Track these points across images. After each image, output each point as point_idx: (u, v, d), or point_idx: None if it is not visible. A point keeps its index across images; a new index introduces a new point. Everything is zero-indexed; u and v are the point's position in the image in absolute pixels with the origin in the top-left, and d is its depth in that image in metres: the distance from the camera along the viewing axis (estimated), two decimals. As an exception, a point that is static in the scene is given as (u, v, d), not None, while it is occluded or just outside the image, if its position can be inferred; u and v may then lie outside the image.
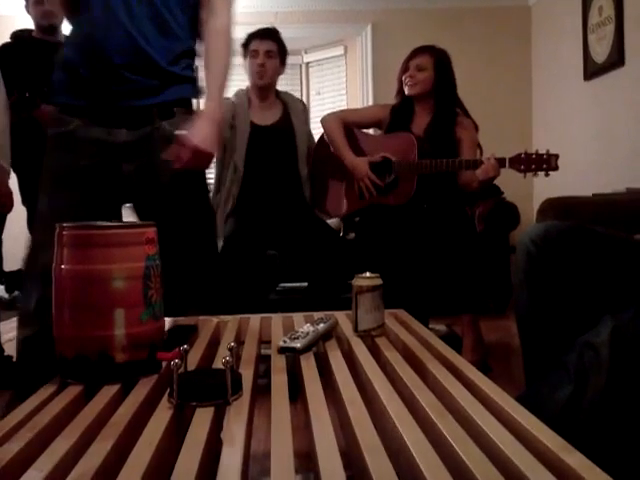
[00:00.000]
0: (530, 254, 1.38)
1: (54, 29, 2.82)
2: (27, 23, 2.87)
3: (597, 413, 1.08)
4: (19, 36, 2.78)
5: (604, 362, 1.08)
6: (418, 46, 2.63)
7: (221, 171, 2.71)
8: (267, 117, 2.75)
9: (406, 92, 2.60)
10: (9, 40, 2.80)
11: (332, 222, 3.35)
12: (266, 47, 2.68)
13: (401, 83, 2.63)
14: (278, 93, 2.84)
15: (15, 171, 2.76)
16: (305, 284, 2.61)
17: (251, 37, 2.73)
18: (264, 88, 2.73)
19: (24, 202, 2.79)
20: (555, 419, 1.05)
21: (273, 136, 2.73)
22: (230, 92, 2.80)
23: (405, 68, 2.58)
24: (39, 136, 2.60)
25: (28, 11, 2.80)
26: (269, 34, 2.73)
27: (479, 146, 2.64)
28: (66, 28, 2.86)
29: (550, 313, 1.36)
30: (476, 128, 2.63)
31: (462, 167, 2.50)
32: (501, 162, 2.36)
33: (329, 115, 2.76)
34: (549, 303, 1.36)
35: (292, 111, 2.80)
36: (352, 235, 3.44)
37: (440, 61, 2.60)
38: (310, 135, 2.89)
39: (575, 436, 0.97)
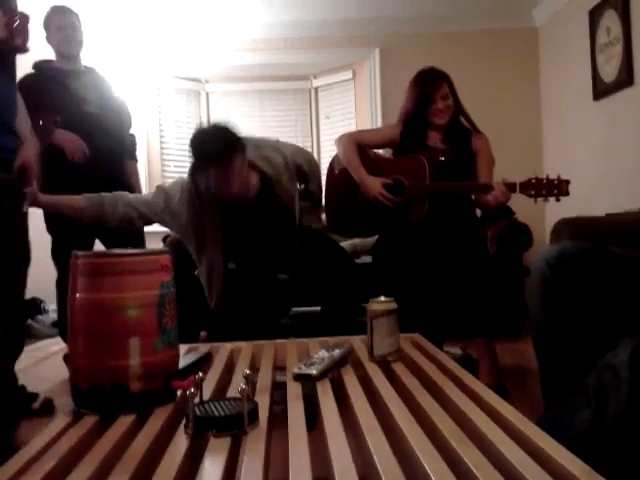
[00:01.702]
0: (545, 276, 1.37)
1: (75, 57, 2.88)
2: (36, 53, 2.91)
3: (619, 435, 1.06)
4: (41, 66, 2.84)
5: (624, 383, 1.06)
6: (426, 71, 2.63)
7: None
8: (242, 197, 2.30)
9: (437, 123, 2.59)
10: (32, 70, 2.85)
11: (345, 245, 3.35)
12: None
13: (411, 110, 2.62)
14: (252, 165, 2.34)
15: None
16: (318, 308, 2.59)
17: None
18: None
19: (49, 229, 2.81)
20: (576, 442, 1.03)
21: (253, 211, 2.36)
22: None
23: (431, 100, 2.56)
24: (62, 164, 2.66)
25: (49, 40, 2.85)
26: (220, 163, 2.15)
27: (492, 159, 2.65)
28: (85, 57, 2.94)
29: (568, 336, 1.34)
30: (487, 138, 2.65)
31: (472, 191, 2.49)
32: (511, 187, 2.35)
33: (343, 135, 2.76)
34: (567, 326, 1.34)
35: (273, 180, 2.40)
36: (363, 258, 3.44)
37: (452, 85, 2.62)
38: (293, 176, 2.50)
39: (598, 459, 0.96)
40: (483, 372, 2.37)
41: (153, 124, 4.76)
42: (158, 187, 2.40)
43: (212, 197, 2.25)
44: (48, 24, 2.86)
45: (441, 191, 2.45)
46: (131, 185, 2.98)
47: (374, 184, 2.57)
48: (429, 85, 2.58)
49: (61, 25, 2.84)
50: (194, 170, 2.23)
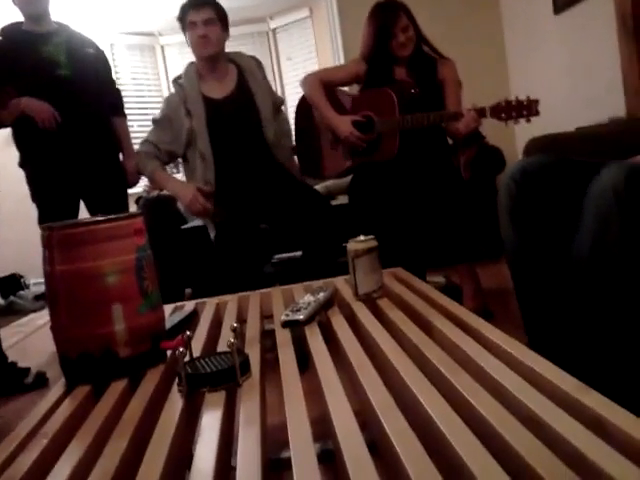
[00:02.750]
0: (511, 192, 1.38)
1: (42, 17, 2.72)
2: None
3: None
4: (8, 31, 2.70)
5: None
6: (382, 4, 2.56)
7: (191, 160, 2.61)
8: (222, 88, 2.61)
9: (401, 55, 2.54)
10: None
11: (320, 187, 3.33)
12: (204, 16, 2.51)
13: (372, 46, 2.57)
14: (229, 57, 2.68)
15: (23, 167, 2.73)
16: (299, 253, 2.60)
17: (185, 8, 2.55)
18: (211, 58, 2.58)
19: (34, 199, 2.74)
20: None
21: (232, 108, 2.58)
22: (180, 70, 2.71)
23: (391, 33, 2.50)
24: (36, 133, 2.58)
25: (14, 2, 2.70)
26: (204, 2, 2.54)
27: (459, 83, 2.62)
28: (55, 15, 2.80)
29: (537, 247, 1.35)
30: (453, 63, 2.62)
31: (443, 120, 2.47)
32: (481, 112, 2.34)
33: (308, 76, 2.70)
34: (535, 237, 1.35)
35: (247, 73, 2.66)
36: (339, 199, 3.43)
37: (410, 15, 2.56)
38: (271, 90, 2.75)
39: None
40: (467, 297, 2.42)
41: (110, 83, 4.61)
42: (153, 119, 2.68)
43: (197, 52, 2.58)
44: None
45: (412, 123, 2.43)
46: (121, 144, 2.89)
47: (344, 124, 2.53)
48: (387, 18, 2.52)
49: None
50: (183, 15, 2.56)
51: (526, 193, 1.36)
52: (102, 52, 2.93)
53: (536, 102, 2.28)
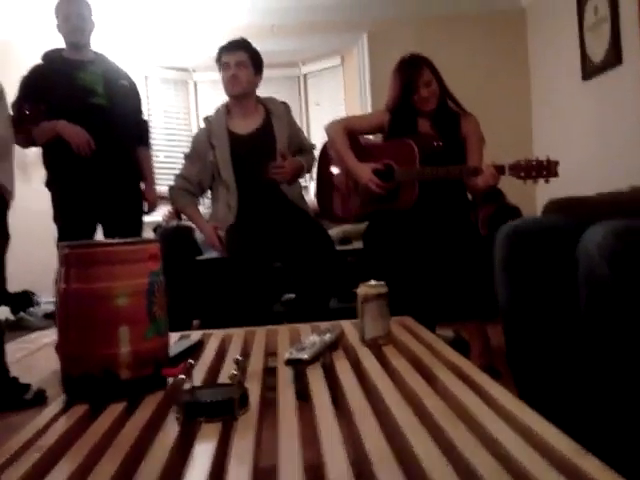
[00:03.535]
0: (504, 249, 1.40)
1: (83, 46, 2.84)
2: (24, 48, 2.90)
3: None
4: (49, 55, 2.81)
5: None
6: (407, 59, 2.61)
7: (216, 190, 2.76)
8: (248, 125, 2.77)
9: (424, 109, 2.57)
10: (40, 61, 2.83)
11: (337, 230, 3.35)
12: (237, 58, 2.70)
13: (397, 99, 2.61)
14: (260, 100, 2.86)
15: (50, 187, 2.81)
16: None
17: (221, 50, 2.74)
18: (240, 97, 2.75)
19: (56, 219, 2.80)
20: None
21: (253, 144, 2.74)
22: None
23: (414, 88, 2.54)
24: (68, 157, 2.65)
25: (59, 29, 2.83)
26: (238, 45, 2.75)
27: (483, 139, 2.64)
28: (95, 43, 2.91)
29: (530, 303, 1.35)
30: (476, 119, 2.64)
31: (462, 174, 2.48)
32: (500, 170, 2.35)
33: (333, 122, 2.75)
34: (527, 294, 1.35)
35: (274, 115, 2.80)
36: (355, 244, 3.44)
37: (434, 69, 2.60)
38: (297, 133, 2.93)
39: None
40: (474, 354, 2.38)
41: (141, 114, 4.72)
42: (184, 155, 2.89)
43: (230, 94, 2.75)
44: (57, 13, 2.83)
45: (431, 175, 2.45)
46: (143, 173, 2.97)
47: (364, 171, 2.56)
48: (411, 73, 2.56)
49: (67, 15, 2.80)
50: (219, 56, 2.74)
51: (519, 251, 1.37)
52: (134, 84, 3.04)
53: (556, 163, 2.29)
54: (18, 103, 2.58)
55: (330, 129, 2.72)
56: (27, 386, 2.34)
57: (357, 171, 2.58)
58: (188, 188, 2.79)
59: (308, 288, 2.50)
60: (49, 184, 2.80)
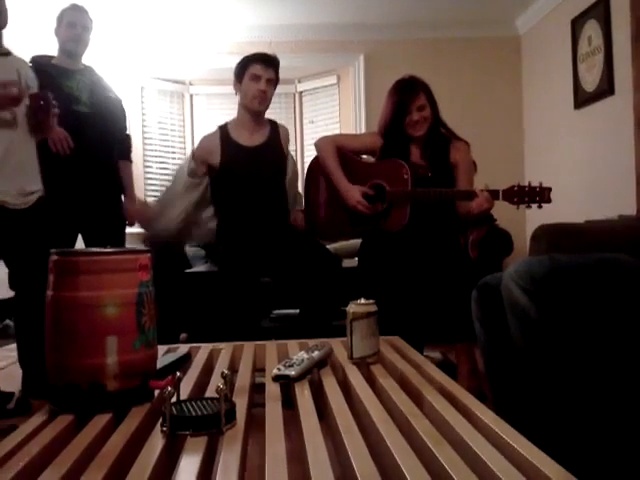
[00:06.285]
0: (477, 301, 1.51)
1: (76, 56, 2.85)
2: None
3: None
4: (37, 60, 2.80)
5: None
6: (404, 81, 2.60)
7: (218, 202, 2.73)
8: (254, 139, 2.74)
9: (413, 134, 2.56)
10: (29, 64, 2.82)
11: (331, 247, 3.34)
12: (269, 75, 2.65)
13: (388, 121, 2.60)
14: (268, 118, 2.84)
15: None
16: (297, 311, 2.59)
17: (253, 60, 2.67)
18: (259, 113, 2.73)
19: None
20: None
21: (261, 155, 2.71)
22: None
23: (406, 110, 2.53)
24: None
25: (57, 33, 2.84)
26: (273, 63, 2.70)
27: (474, 164, 2.64)
28: (92, 53, 2.92)
29: (501, 346, 1.39)
30: (467, 144, 2.63)
31: (456, 197, 2.48)
32: (494, 194, 2.36)
33: (323, 138, 2.74)
34: (499, 338, 1.39)
35: (282, 136, 2.80)
36: (345, 262, 3.44)
37: (430, 95, 2.59)
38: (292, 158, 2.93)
39: None
40: (462, 376, 2.38)
41: (136, 125, 4.72)
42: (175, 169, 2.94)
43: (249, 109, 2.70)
44: (61, 18, 2.84)
45: (424, 197, 2.45)
46: (124, 186, 2.97)
47: (353, 193, 2.55)
48: (405, 95, 2.55)
49: (73, 22, 2.81)
50: (247, 64, 2.67)
51: (489, 303, 1.44)
52: (120, 100, 3.06)
53: (549, 190, 2.32)
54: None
55: (320, 144, 2.71)
56: (10, 395, 2.32)
57: (345, 192, 2.57)
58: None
59: (314, 305, 2.46)
60: None
